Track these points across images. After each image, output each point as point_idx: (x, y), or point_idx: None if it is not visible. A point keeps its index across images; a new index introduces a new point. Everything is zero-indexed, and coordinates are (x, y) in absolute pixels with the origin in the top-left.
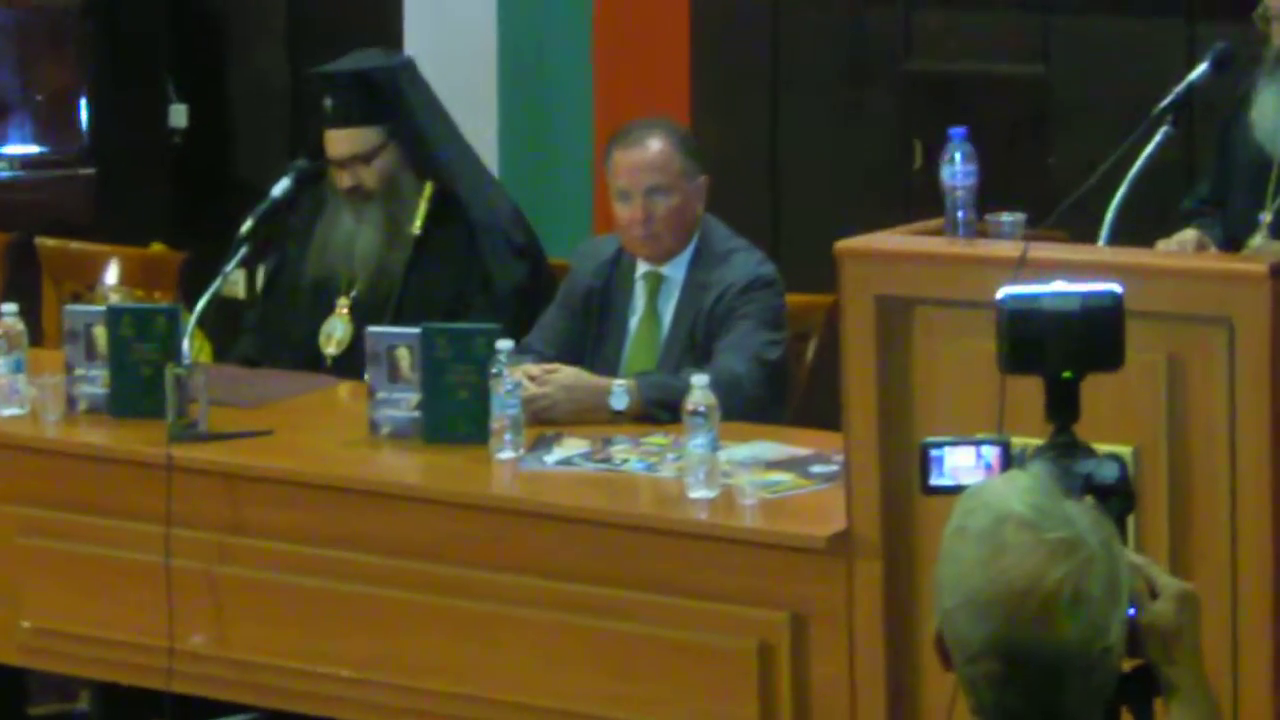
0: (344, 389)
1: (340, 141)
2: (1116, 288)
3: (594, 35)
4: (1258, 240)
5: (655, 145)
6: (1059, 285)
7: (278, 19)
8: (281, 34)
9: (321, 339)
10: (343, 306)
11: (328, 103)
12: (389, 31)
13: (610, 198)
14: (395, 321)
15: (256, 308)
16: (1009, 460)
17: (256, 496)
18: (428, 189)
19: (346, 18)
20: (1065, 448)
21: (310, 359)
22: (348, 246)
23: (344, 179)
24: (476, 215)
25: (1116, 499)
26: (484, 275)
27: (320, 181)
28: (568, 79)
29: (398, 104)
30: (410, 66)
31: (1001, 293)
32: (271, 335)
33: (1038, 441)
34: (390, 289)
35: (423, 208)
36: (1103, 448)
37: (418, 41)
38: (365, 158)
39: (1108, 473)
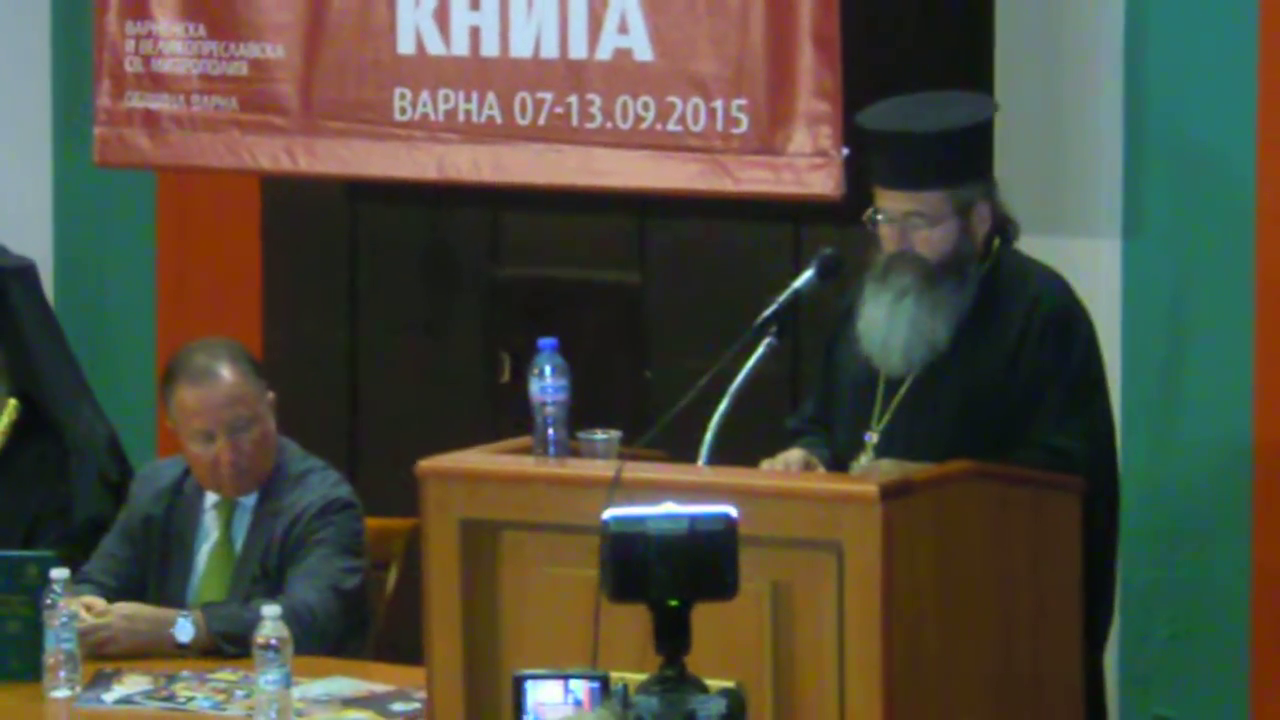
0: None
1: None
2: (730, 511)
3: (157, 239)
4: (864, 460)
5: (228, 375)
6: (667, 507)
7: None
8: None
9: None
10: None
11: None
12: None
13: (179, 436)
14: None
15: None
16: (607, 695)
17: None
18: (11, 408)
19: None
20: (673, 682)
21: None
22: None
23: None
24: (72, 440)
25: None
26: (64, 502)
27: None
28: (129, 286)
29: (3, 308)
30: (26, 272)
31: (606, 514)
32: None
33: (639, 676)
34: None
35: (1, 433)
36: (715, 683)
37: None
38: None
39: (710, 711)
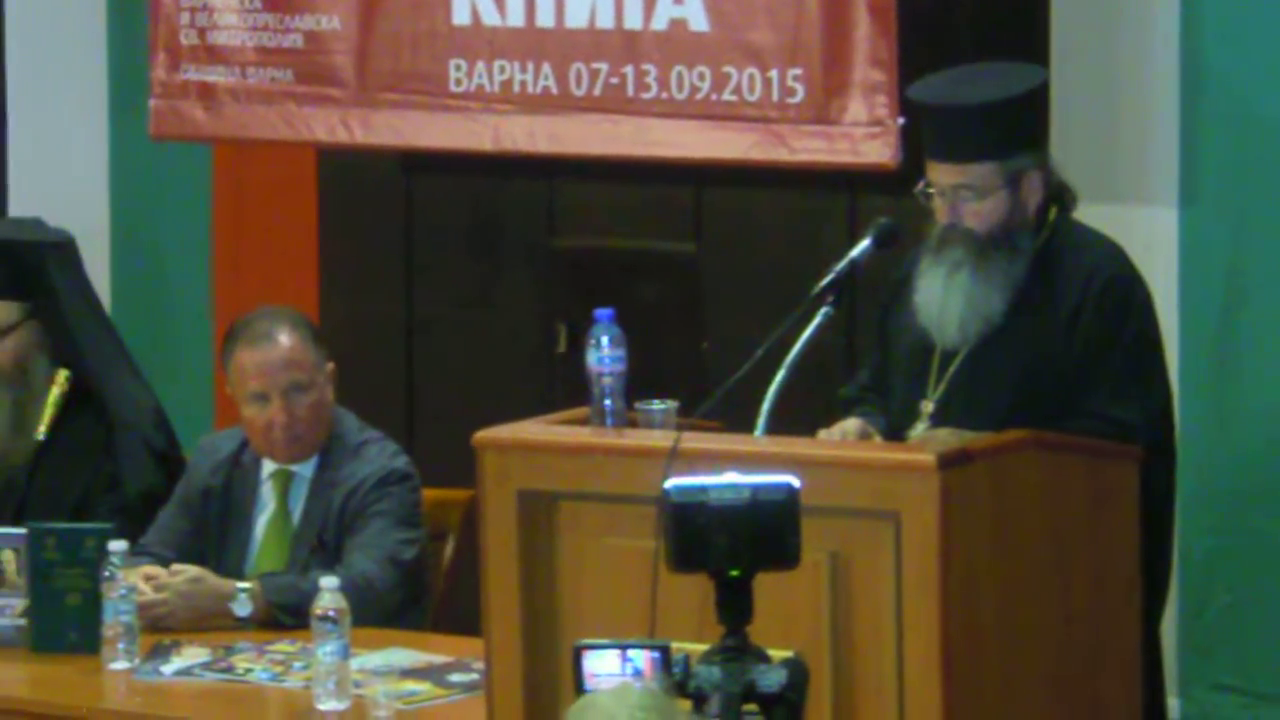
0: None
1: None
2: (791, 480)
3: (213, 211)
4: (920, 429)
5: (286, 340)
6: (729, 477)
7: None
8: None
9: None
10: None
11: None
12: None
13: (236, 400)
14: (18, 520)
15: None
16: (668, 665)
17: None
18: (61, 379)
19: None
20: (734, 651)
21: None
22: None
23: None
24: (116, 412)
25: (780, 709)
26: (113, 475)
27: None
28: (185, 258)
29: (43, 283)
30: (65, 246)
31: (668, 484)
32: None
33: (698, 646)
34: (11, 483)
35: (52, 405)
36: (778, 653)
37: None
38: None
39: (770, 681)
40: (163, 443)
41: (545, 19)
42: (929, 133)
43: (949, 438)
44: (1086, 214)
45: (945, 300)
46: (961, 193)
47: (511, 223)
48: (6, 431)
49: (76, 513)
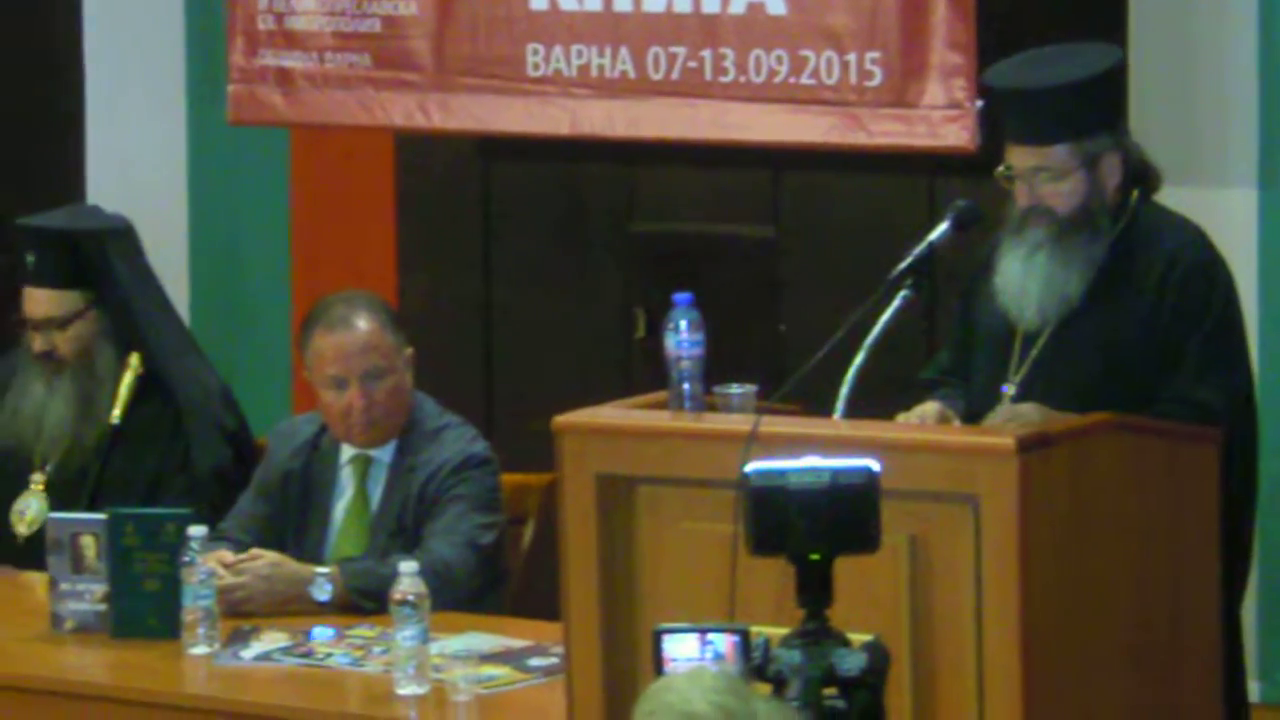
0: (27, 578)
1: (38, 301)
2: (871, 464)
3: (291, 196)
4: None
5: (363, 325)
6: (809, 460)
7: None
8: None
9: (13, 517)
10: (37, 483)
11: (29, 258)
12: (70, 193)
13: (314, 385)
14: (92, 506)
15: None
16: (748, 649)
17: None
18: (134, 364)
19: (28, 174)
20: (815, 635)
21: (1, 537)
22: (37, 418)
23: (37, 342)
24: (184, 394)
25: (861, 692)
26: (185, 455)
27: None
28: (264, 244)
29: (104, 270)
30: (123, 233)
31: (748, 468)
32: None
33: (776, 629)
34: (85, 468)
35: (125, 390)
36: (858, 637)
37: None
38: (61, 322)
39: (850, 665)
40: (233, 422)
41: (623, 3)
42: (1007, 116)
43: (1032, 413)
44: (1165, 196)
45: (1024, 281)
46: (1039, 175)
47: (590, 207)
48: (74, 419)
49: (149, 496)
